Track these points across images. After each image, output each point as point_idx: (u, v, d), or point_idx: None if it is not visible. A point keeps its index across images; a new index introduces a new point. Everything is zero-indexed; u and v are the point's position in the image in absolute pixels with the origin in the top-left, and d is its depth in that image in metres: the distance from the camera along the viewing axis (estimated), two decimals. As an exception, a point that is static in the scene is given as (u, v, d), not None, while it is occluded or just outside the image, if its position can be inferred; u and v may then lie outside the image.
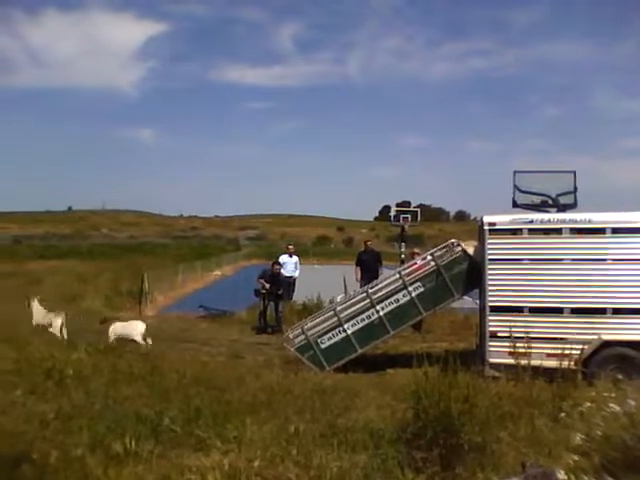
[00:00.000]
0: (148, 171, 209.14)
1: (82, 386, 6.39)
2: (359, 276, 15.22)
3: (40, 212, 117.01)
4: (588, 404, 6.07)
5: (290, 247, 17.66)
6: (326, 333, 9.96)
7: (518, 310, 8.87)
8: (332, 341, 9.92)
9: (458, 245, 10.20)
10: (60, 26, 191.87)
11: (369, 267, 15.16)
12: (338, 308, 10.33)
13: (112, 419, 5.13)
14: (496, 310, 9.02)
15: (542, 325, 8.67)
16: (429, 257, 10.27)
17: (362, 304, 10.08)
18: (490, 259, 9.13)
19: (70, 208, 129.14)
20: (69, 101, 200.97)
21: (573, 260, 8.82)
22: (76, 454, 4.19)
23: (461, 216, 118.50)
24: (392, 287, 10.08)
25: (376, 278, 13.52)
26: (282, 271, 15.31)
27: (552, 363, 7.87)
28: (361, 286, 13.83)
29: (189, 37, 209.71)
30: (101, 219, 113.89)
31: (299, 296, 16.59)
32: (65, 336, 11.02)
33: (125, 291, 20.81)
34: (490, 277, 9.12)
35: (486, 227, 9.17)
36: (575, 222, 8.89)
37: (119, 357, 8.54)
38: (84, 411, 5.40)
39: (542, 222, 9.05)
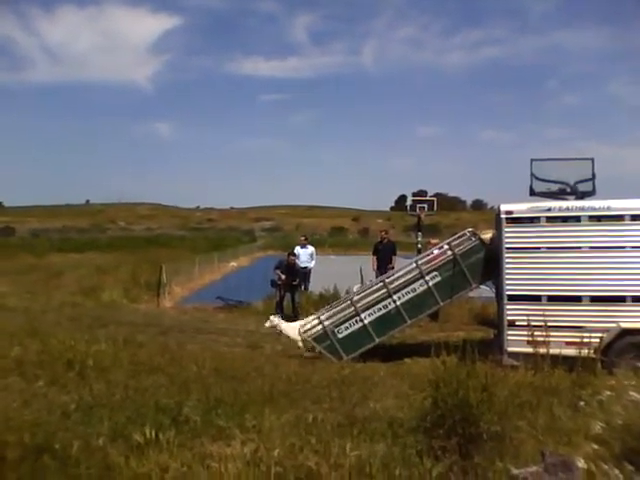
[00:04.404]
0: (164, 164, 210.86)
1: (102, 377, 6.46)
2: (375, 265, 15.24)
3: (58, 206, 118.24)
4: (608, 393, 6.03)
5: (302, 238, 17.71)
6: (343, 323, 9.97)
7: (536, 299, 8.82)
8: (349, 331, 9.94)
9: (475, 234, 10.16)
10: (76, 22, 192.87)
11: (384, 257, 15.17)
12: (355, 298, 10.34)
13: (132, 409, 5.19)
14: (514, 299, 8.98)
15: (561, 313, 8.61)
16: (446, 246, 10.23)
17: (379, 294, 10.08)
18: (507, 248, 9.08)
19: (88, 201, 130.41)
20: (85, 96, 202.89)
21: (592, 248, 8.74)
22: (97, 444, 4.24)
23: (478, 205, 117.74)
24: (409, 277, 10.07)
25: (391, 268, 13.55)
26: (297, 262, 15.35)
27: (571, 352, 7.81)
28: (377, 276, 13.83)
29: (204, 30, 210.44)
30: (118, 212, 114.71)
31: (316, 286, 16.62)
32: None
33: (143, 283, 20.97)
34: (508, 266, 9.07)
35: (503, 215, 9.12)
36: (594, 209, 8.81)
37: (139, 348, 8.63)
38: (105, 401, 5.47)
39: (560, 210, 8.98)
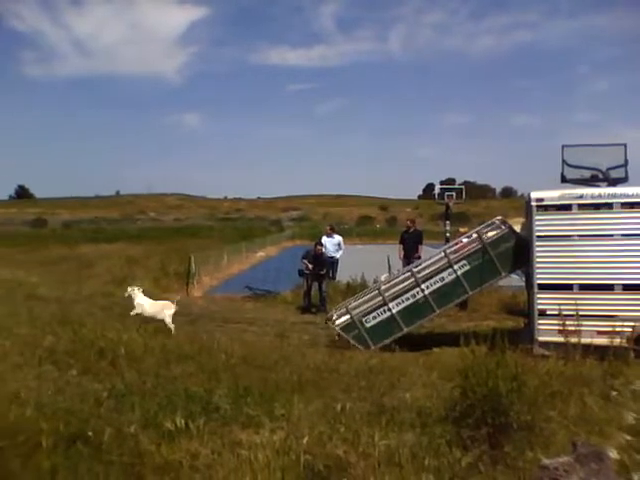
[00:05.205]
0: (192, 155, 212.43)
1: (134, 365, 6.53)
2: (402, 255, 15.17)
3: (89, 197, 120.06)
4: (641, 382, 5.94)
5: (327, 228, 17.70)
6: (371, 312, 9.96)
7: (567, 287, 8.71)
8: (377, 320, 9.93)
9: (504, 222, 10.04)
10: (104, 14, 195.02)
11: (411, 246, 15.09)
12: (382, 287, 10.31)
13: (163, 397, 5.25)
14: (545, 288, 8.88)
15: (592, 302, 8.50)
16: (475, 235, 10.13)
17: (407, 283, 10.04)
18: (538, 236, 8.97)
19: (118, 192, 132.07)
20: (114, 89, 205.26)
21: (624, 235, 8.60)
22: (129, 432, 4.30)
23: (507, 193, 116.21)
24: (437, 266, 10.01)
25: (418, 258, 13.48)
26: (324, 251, 15.35)
27: (603, 341, 7.73)
28: (403, 265, 13.78)
29: (230, 21, 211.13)
30: (147, 202, 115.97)
31: (343, 276, 16.61)
32: None
33: (173, 273, 21.18)
34: (538, 254, 8.96)
35: (534, 203, 9.00)
36: (627, 196, 8.65)
37: (169, 337, 8.73)
38: (136, 389, 5.53)
39: (592, 197, 8.83)
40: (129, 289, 10.16)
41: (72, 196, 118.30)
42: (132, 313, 9.84)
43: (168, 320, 9.71)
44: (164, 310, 9.84)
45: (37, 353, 6.72)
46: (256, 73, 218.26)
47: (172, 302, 10.06)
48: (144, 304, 9.91)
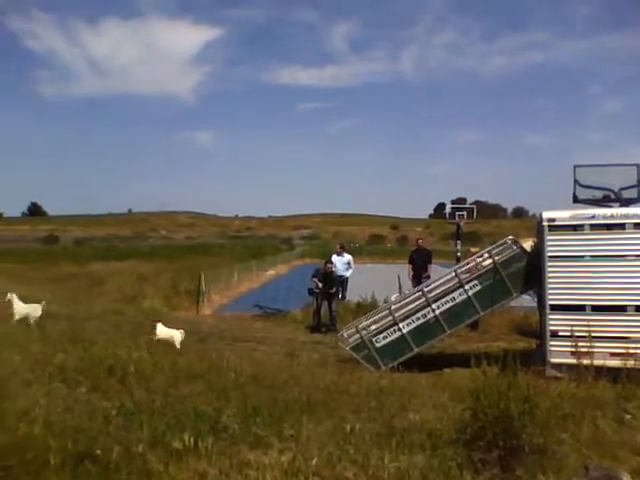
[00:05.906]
0: (205, 173, 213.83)
1: (143, 384, 6.52)
2: (411, 274, 15.13)
3: (101, 215, 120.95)
4: (655, 405, 5.87)
5: (338, 247, 17.73)
6: (381, 332, 9.92)
7: (580, 309, 8.63)
8: (387, 340, 9.88)
9: (516, 242, 10.00)
10: (119, 35, 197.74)
11: (420, 265, 15.05)
12: (393, 307, 10.27)
13: (172, 416, 5.22)
14: (557, 309, 8.80)
15: (605, 324, 8.41)
16: (486, 255, 10.09)
17: (417, 303, 9.99)
18: (550, 256, 8.91)
19: (130, 210, 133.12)
20: (129, 108, 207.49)
21: (637, 256, 8.53)
22: (137, 450, 4.28)
23: (519, 212, 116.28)
24: (448, 285, 9.96)
25: (427, 277, 13.45)
26: (334, 270, 15.33)
27: (616, 363, 7.65)
28: (412, 285, 13.73)
29: (244, 41, 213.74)
30: (159, 220, 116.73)
31: (353, 295, 16.57)
32: None
33: (183, 290, 21.22)
34: (550, 275, 8.89)
35: (545, 223, 8.96)
36: (639, 217, 8.59)
37: (179, 355, 8.72)
38: (145, 408, 5.52)
39: (604, 217, 8.78)
40: (8, 295, 11.14)
41: (84, 214, 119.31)
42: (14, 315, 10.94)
43: (31, 320, 10.87)
44: (31, 313, 11.01)
45: (47, 370, 6.73)
46: (268, 92, 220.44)
47: (39, 304, 11.14)
48: (17, 306, 11.05)
